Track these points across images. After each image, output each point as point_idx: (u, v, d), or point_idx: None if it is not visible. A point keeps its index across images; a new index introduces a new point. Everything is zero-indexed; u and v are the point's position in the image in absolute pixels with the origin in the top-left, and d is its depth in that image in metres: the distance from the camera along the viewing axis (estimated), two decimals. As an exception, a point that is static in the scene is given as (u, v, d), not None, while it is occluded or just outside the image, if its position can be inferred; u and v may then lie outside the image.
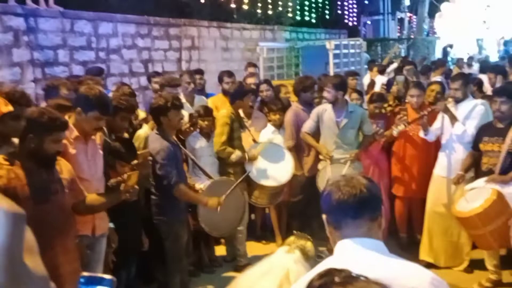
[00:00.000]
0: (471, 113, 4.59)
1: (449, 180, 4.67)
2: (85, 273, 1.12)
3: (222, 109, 5.24)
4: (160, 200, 3.93)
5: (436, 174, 4.85)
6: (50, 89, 4.24)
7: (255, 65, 7.25)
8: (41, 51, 6.97)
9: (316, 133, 5.09)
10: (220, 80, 6.14)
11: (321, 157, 5.04)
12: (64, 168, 2.82)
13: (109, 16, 8.21)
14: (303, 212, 5.34)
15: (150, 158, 3.69)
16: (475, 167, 4.52)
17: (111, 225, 3.40)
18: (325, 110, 5.01)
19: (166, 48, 9.59)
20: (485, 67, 8.95)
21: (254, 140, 5.20)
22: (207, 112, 4.99)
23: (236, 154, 4.79)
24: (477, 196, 4.01)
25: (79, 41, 7.62)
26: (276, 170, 4.96)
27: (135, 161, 3.44)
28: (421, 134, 4.90)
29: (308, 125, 5.07)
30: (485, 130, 4.36)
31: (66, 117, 2.97)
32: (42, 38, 7.00)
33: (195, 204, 4.15)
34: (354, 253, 1.51)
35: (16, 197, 2.40)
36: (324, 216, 1.63)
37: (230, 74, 6.15)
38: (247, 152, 4.90)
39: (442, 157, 4.79)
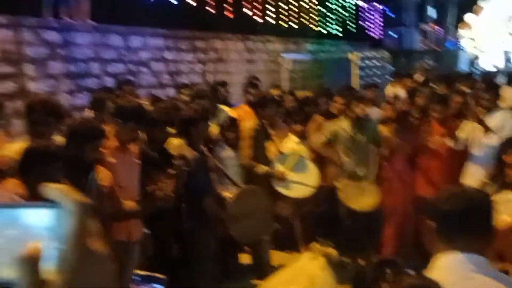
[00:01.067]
0: (503, 123, 4.62)
1: None
2: (140, 272, 1.25)
3: (247, 119, 5.38)
4: (190, 208, 4.08)
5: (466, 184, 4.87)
6: (97, 102, 4.49)
7: (255, 77, 7.34)
8: (74, 63, 7.26)
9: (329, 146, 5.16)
10: (245, 91, 6.29)
11: (336, 169, 5.10)
12: (103, 176, 3.00)
13: (139, 30, 8.49)
14: (327, 223, 5.41)
15: (185, 167, 3.84)
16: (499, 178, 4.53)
17: (146, 231, 3.55)
18: (340, 127, 5.08)
19: (192, 61, 9.83)
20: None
21: (278, 151, 5.31)
22: (233, 123, 5.13)
23: (262, 169, 4.89)
24: (505, 209, 4.01)
25: (111, 54, 7.90)
26: (301, 181, 5.04)
27: (171, 170, 3.59)
28: (450, 143, 4.91)
29: (321, 139, 5.15)
30: (509, 142, 4.38)
31: (106, 127, 3.15)
32: (76, 51, 7.30)
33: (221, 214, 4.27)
34: (460, 268, 1.41)
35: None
36: (430, 223, 1.54)
37: (254, 85, 6.29)
38: (274, 168, 4.97)
39: (472, 168, 4.81)
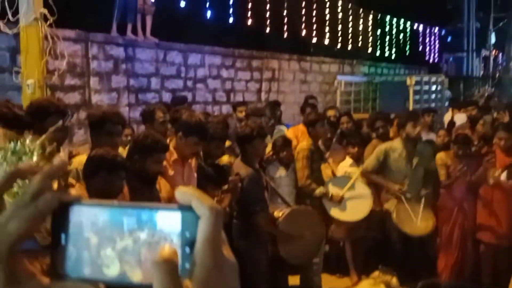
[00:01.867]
0: None
1: None
2: None
3: (302, 140, 5.36)
4: (243, 225, 4.08)
5: None
6: (146, 114, 4.61)
7: (313, 97, 7.25)
8: (136, 78, 7.55)
9: (380, 172, 5.04)
10: (303, 111, 6.28)
11: (389, 196, 4.97)
12: (163, 187, 3.07)
13: (198, 48, 8.74)
14: (380, 248, 5.27)
15: (239, 184, 3.87)
16: None
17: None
18: (393, 148, 4.96)
19: (248, 79, 9.98)
20: None
21: (333, 173, 5.25)
22: (286, 143, 5.12)
23: (320, 191, 4.86)
24: None
25: (170, 70, 8.17)
26: (354, 205, 4.95)
27: (226, 186, 3.63)
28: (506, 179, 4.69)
29: (371, 164, 5.03)
30: None
31: (168, 140, 3.24)
32: (138, 67, 7.60)
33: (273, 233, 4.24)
34: None
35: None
36: None
37: (311, 105, 6.27)
38: (331, 189, 4.92)
39: None
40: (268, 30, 10.49)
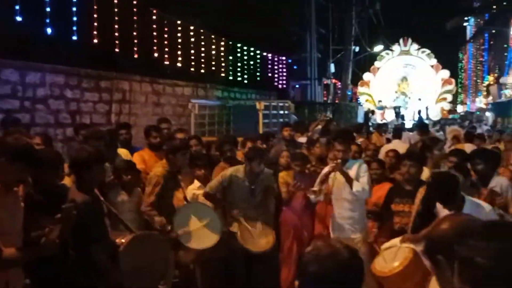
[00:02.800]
0: (359, 171, 4.92)
1: (349, 239, 4.85)
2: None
3: (152, 164, 5.22)
4: (79, 256, 3.79)
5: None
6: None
7: (166, 120, 6.98)
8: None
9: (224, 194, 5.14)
10: (147, 134, 6.07)
11: (230, 219, 5.09)
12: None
13: (38, 66, 8.08)
14: (227, 268, 5.34)
15: (74, 212, 3.59)
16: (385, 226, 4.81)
17: (27, 281, 3.23)
18: (238, 173, 5.08)
19: (96, 100, 9.51)
20: (397, 133, 9.72)
21: (185, 197, 5.19)
22: (129, 166, 4.94)
23: (159, 221, 4.68)
24: (394, 255, 4.23)
25: (4, 89, 7.40)
26: (203, 232, 4.91)
27: (58, 215, 3.33)
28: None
29: (214, 186, 5.09)
30: (395, 191, 4.71)
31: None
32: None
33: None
34: None
35: None
36: (296, 283, 1.52)
37: (157, 128, 6.10)
38: (175, 226, 4.79)
39: (340, 220, 5.02)
40: (117, 50, 10.16)
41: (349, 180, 4.84)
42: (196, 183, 5.51)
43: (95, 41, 9.47)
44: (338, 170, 4.89)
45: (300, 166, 5.48)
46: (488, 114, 28.01)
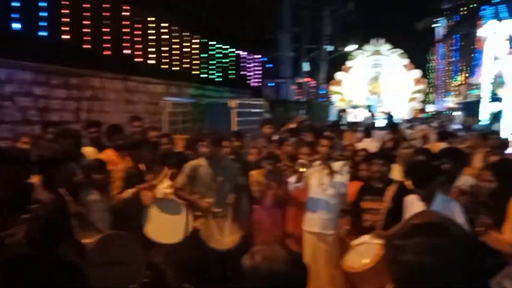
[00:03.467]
0: (341, 170, 5.03)
1: (322, 234, 5.04)
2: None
3: (116, 162, 5.14)
4: (47, 257, 3.70)
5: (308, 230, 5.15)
6: None
7: (139, 118, 6.83)
8: None
9: (190, 187, 5.11)
10: (108, 136, 5.85)
11: (198, 213, 5.09)
12: None
13: (5, 62, 7.85)
14: (198, 269, 5.31)
15: (42, 212, 3.51)
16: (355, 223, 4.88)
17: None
18: (200, 164, 5.11)
19: (65, 97, 9.31)
20: (367, 132, 9.86)
21: (155, 196, 5.15)
22: (100, 165, 4.86)
23: (127, 193, 4.68)
24: (366, 251, 4.29)
25: (-32, 85, 7.18)
26: (172, 226, 4.90)
27: (25, 215, 3.25)
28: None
29: (181, 180, 5.07)
30: (366, 190, 4.77)
31: None
32: None
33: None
34: None
35: None
36: None
37: (119, 128, 5.92)
38: (147, 213, 4.77)
39: (312, 214, 5.10)
40: (88, 46, 9.97)
41: (331, 172, 4.96)
42: (167, 181, 5.46)
43: (65, 37, 9.26)
44: (323, 163, 4.98)
45: (272, 165, 5.48)
46: (457, 113, 28.73)
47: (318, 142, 5.33)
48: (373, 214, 4.62)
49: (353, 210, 4.86)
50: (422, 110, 30.88)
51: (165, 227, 4.87)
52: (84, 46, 9.90)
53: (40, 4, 8.53)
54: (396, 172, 5.26)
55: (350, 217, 4.89)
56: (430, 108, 37.43)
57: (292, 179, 5.12)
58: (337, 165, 5.11)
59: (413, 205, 3.97)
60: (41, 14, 8.50)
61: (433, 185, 3.86)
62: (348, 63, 28.30)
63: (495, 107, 20.57)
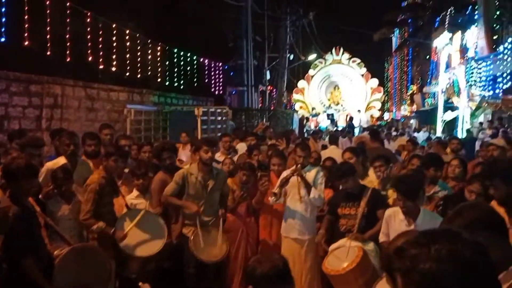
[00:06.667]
0: (316, 177, 5.11)
1: (299, 240, 5.12)
2: None
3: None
4: (11, 270, 3.57)
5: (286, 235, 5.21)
6: None
7: (109, 126, 6.49)
8: None
9: (178, 196, 5.05)
10: (83, 142, 5.69)
11: (187, 222, 5.05)
12: None
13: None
14: (174, 280, 5.24)
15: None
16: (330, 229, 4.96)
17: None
18: (191, 171, 5.08)
19: (25, 105, 9.00)
20: (333, 139, 10.04)
21: (127, 205, 5.04)
22: (67, 175, 4.71)
23: (98, 226, 4.53)
24: (345, 254, 4.36)
25: None
26: (148, 239, 4.79)
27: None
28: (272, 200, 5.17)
29: (171, 188, 5.02)
30: (341, 196, 4.87)
31: None
32: None
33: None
34: None
35: None
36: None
37: (92, 136, 5.74)
38: (120, 224, 4.67)
39: (292, 220, 5.16)
40: (49, 52, 9.68)
41: (308, 187, 5.02)
42: (135, 193, 5.36)
43: (26, 43, 8.97)
44: (298, 175, 5.01)
45: (248, 176, 5.46)
46: (412, 121, 29.67)
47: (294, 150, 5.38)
48: (349, 219, 4.72)
49: (330, 216, 4.95)
50: (381, 118, 31.74)
51: (141, 240, 4.75)
52: (45, 53, 9.60)
53: (0, 9, 8.23)
54: (370, 178, 5.45)
55: (326, 223, 4.97)
56: (386, 116, 38.43)
57: (270, 196, 5.14)
58: (311, 174, 5.17)
59: (395, 220, 4.09)
60: (1, 20, 8.20)
61: (420, 196, 4.00)
62: (310, 72, 28.79)
63: (449, 115, 21.45)
